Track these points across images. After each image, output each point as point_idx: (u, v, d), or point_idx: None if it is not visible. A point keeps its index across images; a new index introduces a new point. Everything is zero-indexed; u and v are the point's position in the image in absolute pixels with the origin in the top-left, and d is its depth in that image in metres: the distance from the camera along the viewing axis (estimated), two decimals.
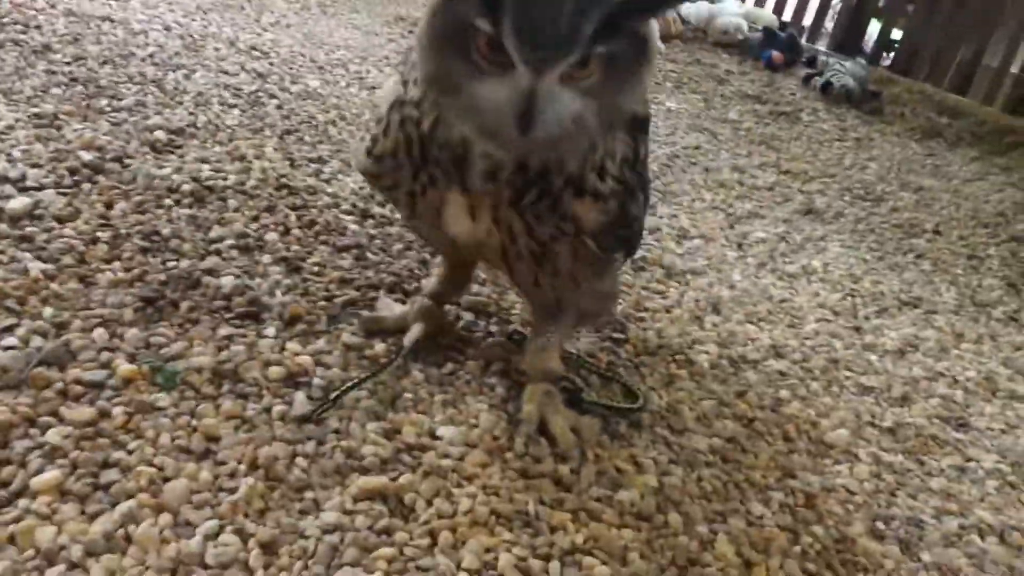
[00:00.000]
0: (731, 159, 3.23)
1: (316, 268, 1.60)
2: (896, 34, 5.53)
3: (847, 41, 5.60)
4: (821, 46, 5.60)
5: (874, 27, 5.64)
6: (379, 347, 1.42)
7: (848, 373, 1.86)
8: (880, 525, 1.39)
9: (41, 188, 1.58)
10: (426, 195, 1.19)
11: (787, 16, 5.78)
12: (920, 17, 5.37)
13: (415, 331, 1.45)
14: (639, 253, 2.11)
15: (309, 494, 1.10)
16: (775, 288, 2.20)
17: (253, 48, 2.83)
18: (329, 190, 1.94)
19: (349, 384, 1.29)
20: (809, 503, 1.38)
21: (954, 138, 4.39)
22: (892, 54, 5.60)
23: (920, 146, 4.15)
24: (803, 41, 5.38)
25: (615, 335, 1.70)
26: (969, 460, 1.64)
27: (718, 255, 2.31)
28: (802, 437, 1.56)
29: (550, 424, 1.34)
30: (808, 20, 5.78)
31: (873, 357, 1.97)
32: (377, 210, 1.91)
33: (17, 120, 1.81)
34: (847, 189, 3.24)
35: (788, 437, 1.54)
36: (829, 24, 5.93)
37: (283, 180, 1.90)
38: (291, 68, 2.77)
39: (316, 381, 1.30)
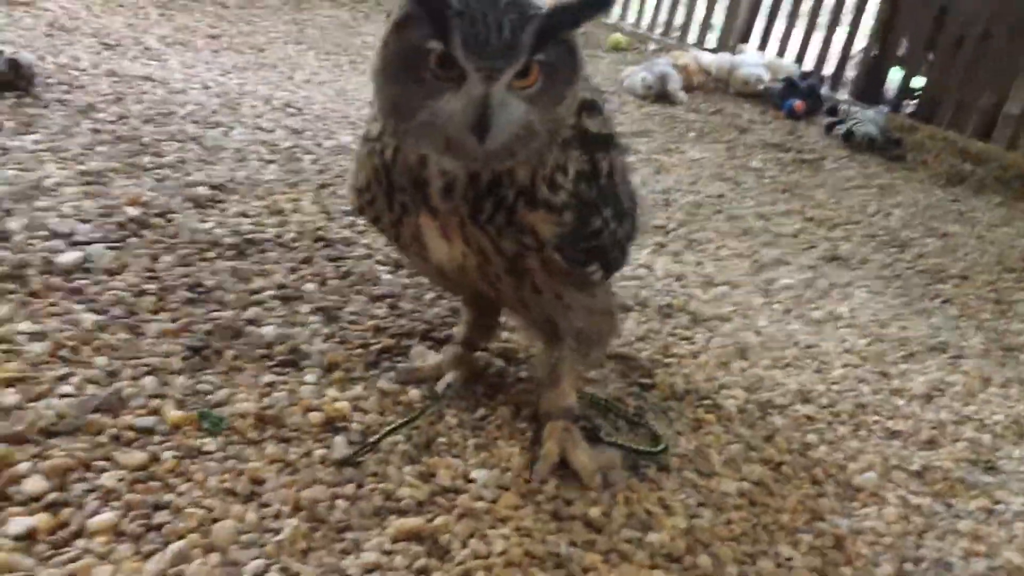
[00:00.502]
0: (755, 207, 3.27)
1: (352, 317, 1.66)
2: (917, 82, 5.57)
3: (868, 89, 5.66)
4: (842, 95, 5.65)
5: (895, 75, 5.69)
6: (414, 393, 1.47)
7: (875, 417, 1.88)
8: (908, 567, 1.40)
9: (90, 243, 1.66)
10: (403, 224, 1.30)
11: (808, 66, 5.84)
12: (941, 65, 5.42)
13: (448, 378, 1.50)
14: (664, 300, 2.15)
15: (350, 535, 1.15)
16: (802, 334, 2.23)
17: (288, 105, 2.92)
18: (363, 241, 2.00)
19: (386, 429, 1.33)
20: (838, 545, 1.40)
21: (978, 184, 4.41)
22: (914, 102, 5.64)
23: (944, 192, 4.17)
24: (824, 90, 5.44)
25: (642, 380, 1.74)
26: (997, 503, 1.65)
27: (744, 301, 2.35)
28: (830, 481, 1.58)
29: (571, 459, 1.39)
30: (829, 69, 5.85)
31: (900, 401, 1.99)
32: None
33: (66, 177, 1.90)
34: (872, 236, 3.27)
35: (816, 480, 1.57)
36: (850, 73, 5.99)
37: (319, 232, 1.97)
38: (324, 124, 2.85)
39: (354, 426, 1.35)
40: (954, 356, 2.32)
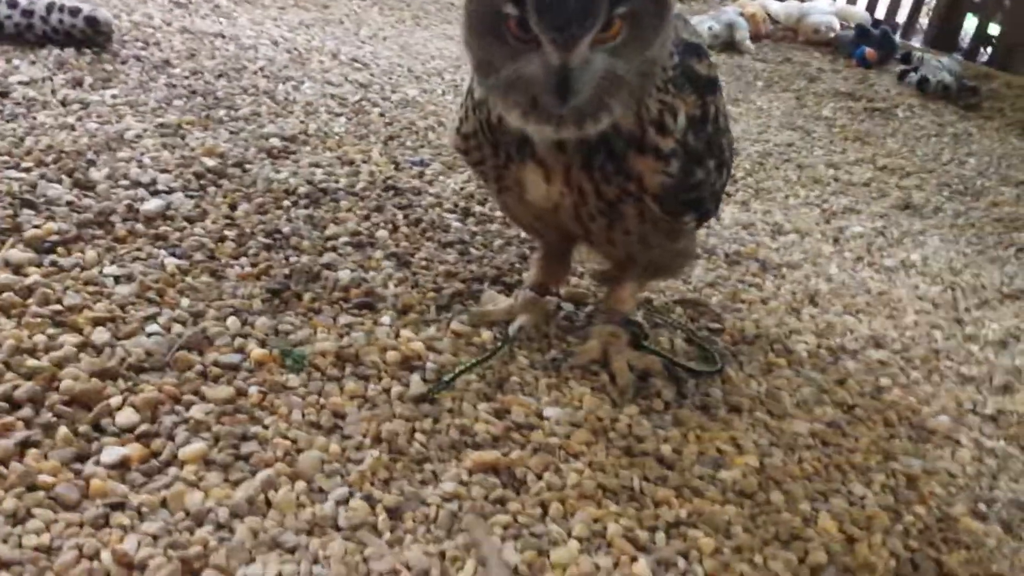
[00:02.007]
0: (825, 156, 3.22)
1: (424, 263, 1.69)
2: (993, 29, 5.39)
3: (942, 37, 5.49)
4: (915, 42, 5.50)
5: (970, 22, 5.51)
6: (486, 335, 1.49)
7: (949, 363, 1.86)
8: (982, 507, 1.40)
9: (171, 191, 1.71)
10: (509, 168, 1.32)
11: (880, 13, 5.69)
12: (1017, 11, 5.23)
13: (520, 320, 1.52)
14: (732, 248, 2.14)
15: (428, 466, 1.18)
16: (873, 281, 2.20)
17: (354, 60, 2.94)
18: (432, 190, 2.03)
19: (461, 367, 1.36)
20: (911, 485, 1.40)
21: None
22: (989, 49, 5.46)
23: (1020, 141, 4.05)
24: (897, 38, 5.29)
25: (711, 325, 1.74)
26: None
27: (814, 249, 2.33)
28: (903, 423, 1.57)
29: (611, 361, 1.45)
30: (902, 17, 5.68)
31: (974, 348, 1.96)
32: (478, 208, 1.99)
33: (144, 130, 1.95)
34: (945, 184, 3.20)
35: (889, 423, 1.56)
36: (923, 20, 5.82)
37: (389, 182, 2.00)
38: (390, 78, 2.87)
39: (429, 365, 1.38)
40: None
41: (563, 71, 1.09)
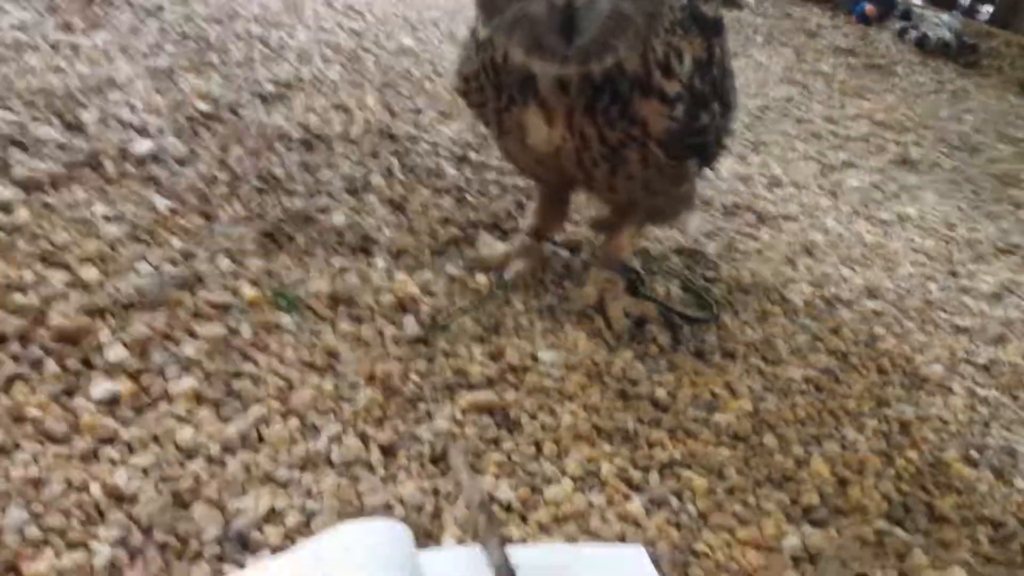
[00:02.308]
0: (824, 110, 3.20)
1: (419, 208, 1.67)
2: None
3: None
4: None
5: None
6: (482, 279, 1.48)
7: (943, 314, 1.86)
8: (974, 453, 1.40)
9: (162, 134, 1.68)
10: (510, 111, 1.30)
11: None
12: None
13: (516, 265, 1.51)
14: (730, 199, 2.13)
15: (422, 405, 1.17)
16: (869, 234, 2.20)
17: (349, 8, 2.90)
18: (428, 138, 2.01)
19: (457, 310, 1.35)
20: (903, 430, 1.40)
21: None
22: (990, 7, 5.41)
23: (1018, 99, 4.04)
24: None
25: (708, 273, 1.73)
26: None
27: (811, 202, 2.32)
28: (896, 371, 1.57)
29: (608, 307, 1.45)
30: None
31: (969, 300, 1.96)
32: (474, 156, 1.97)
33: (135, 74, 1.92)
34: (943, 140, 3.19)
35: (882, 370, 1.56)
36: None
37: (384, 129, 1.98)
38: (385, 27, 2.83)
39: (424, 308, 1.37)
40: None
41: (568, 10, 1.08)
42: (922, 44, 4.36)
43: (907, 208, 2.44)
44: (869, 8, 4.72)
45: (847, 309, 1.75)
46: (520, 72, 1.23)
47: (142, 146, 1.61)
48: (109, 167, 1.53)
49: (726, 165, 2.42)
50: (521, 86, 1.26)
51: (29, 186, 1.41)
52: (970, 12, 5.32)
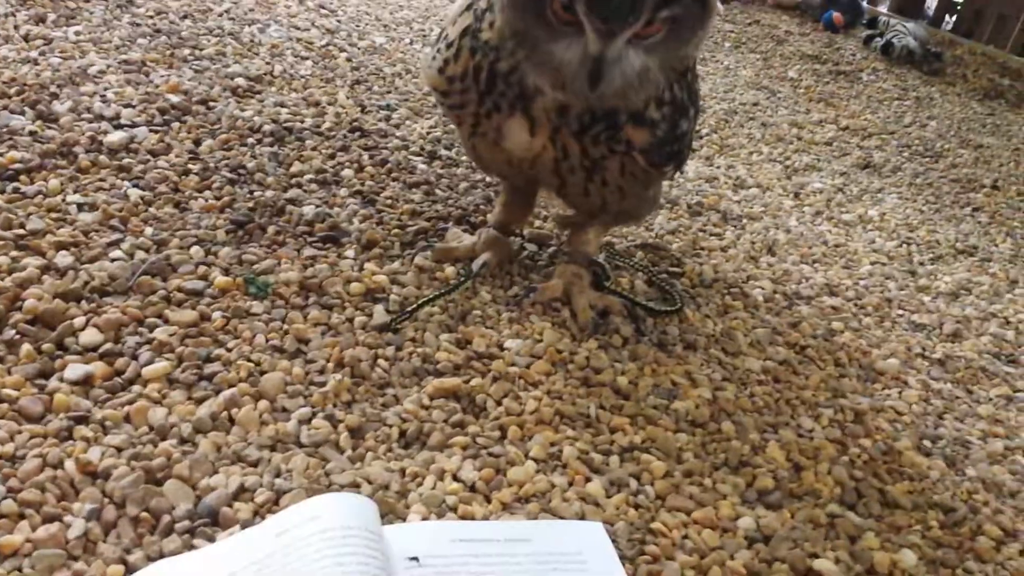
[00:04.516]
0: (789, 115, 3.26)
1: (389, 201, 1.70)
2: None
3: (908, 3, 5.54)
4: (882, 8, 5.54)
5: None
6: (449, 270, 1.51)
7: (900, 311, 1.91)
8: (927, 443, 1.45)
9: (134, 125, 1.70)
10: (491, 118, 1.32)
11: None
12: None
13: (483, 257, 1.54)
14: (695, 199, 2.18)
15: (390, 391, 1.20)
16: (831, 234, 2.25)
17: (321, 6, 2.92)
18: (398, 134, 2.03)
19: (424, 299, 1.38)
20: (858, 420, 1.44)
21: (1016, 99, 4.35)
22: (955, 17, 5.52)
23: (981, 106, 4.12)
24: (864, 3, 5.33)
25: (671, 269, 1.77)
26: (1018, 391, 1.69)
27: (775, 203, 2.37)
28: (853, 364, 1.62)
29: (573, 300, 1.48)
30: None
31: (926, 298, 2.01)
32: (444, 152, 2.00)
33: (108, 66, 1.93)
34: (906, 146, 3.25)
35: (839, 363, 1.61)
36: None
37: (355, 124, 2.00)
38: (358, 25, 2.86)
39: (393, 297, 1.39)
40: (982, 259, 2.34)
41: (599, 61, 1.12)
42: (887, 52, 4.44)
43: (869, 210, 2.49)
44: (836, 16, 4.80)
45: (806, 305, 1.80)
46: (524, 89, 1.25)
47: (114, 136, 1.63)
48: (82, 156, 1.55)
49: (692, 167, 2.46)
50: (512, 100, 1.28)
51: (2, 174, 1.42)
52: (936, 21, 5.43)
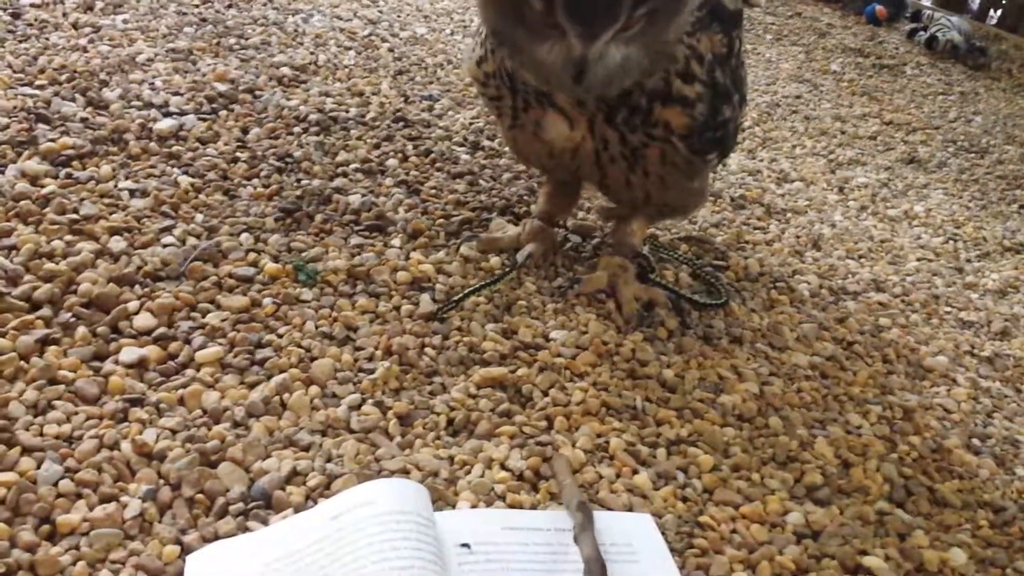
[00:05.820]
0: (833, 109, 3.23)
1: (433, 191, 1.70)
2: None
3: None
4: (926, 1, 5.46)
5: None
6: (494, 261, 1.51)
7: (948, 308, 1.89)
8: (976, 441, 1.43)
9: (183, 113, 1.71)
10: (527, 111, 1.34)
11: None
12: None
13: (528, 248, 1.54)
14: (738, 192, 2.16)
15: (437, 379, 1.21)
16: (876, 229, 2.23)
17: None
18: (441, 124, 2.04)
19: (470, 288, 1.39)
20: (907, 417, 1.43)
21: None
22: (999, 11, 5.43)
23: None
24: None
25: (716, 262, 1.76)
26: None
27: (819, 197, 2.34)
28: (901, 360, 1.60)
29: (618, 292, 1.48)
30: None
31: (974, 295, 1.99)
32: (487, 143, 2.00)
33: (156, 54, 1.95)
34: (951, 141, 3.21)
35: (887, 360, 1.59)
36: None
37: (399, 114, 2.00)
38: (399, 16, 2.86)
39: (439, 286, 1.40)
40: None
41: (582, 61, 1.12)
42: (931, 46, 4.38)
43: (914, 206, 2.47)
44: (879, 9, 4.73)
45: (853, 300, 1.78)
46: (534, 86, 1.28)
47: (164, 123, 1.64)
48: (132, 143, 1.56)
49: (735, 159, 2.44)
50: (538, 96, 1.30)
51: (56, 160, 1.44)
52: (980, 15, 5.34)
